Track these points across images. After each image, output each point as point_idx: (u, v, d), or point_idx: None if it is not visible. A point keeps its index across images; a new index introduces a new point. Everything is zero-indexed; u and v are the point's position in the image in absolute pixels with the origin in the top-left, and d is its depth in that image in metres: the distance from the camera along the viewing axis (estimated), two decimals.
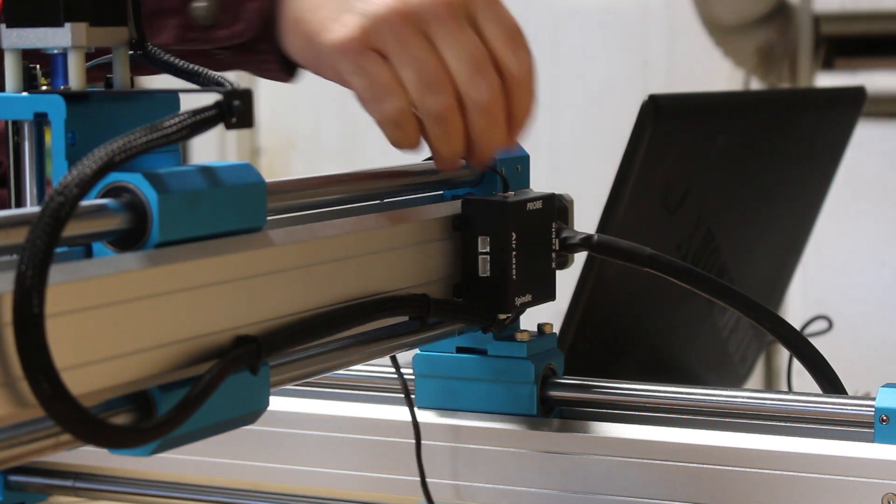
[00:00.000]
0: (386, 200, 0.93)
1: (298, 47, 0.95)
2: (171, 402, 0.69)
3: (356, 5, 0.90)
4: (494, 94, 0.91)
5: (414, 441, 0.97)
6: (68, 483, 1.09)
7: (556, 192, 1.00)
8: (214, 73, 0.76)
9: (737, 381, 1.50)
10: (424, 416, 0.99)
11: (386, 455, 0.99)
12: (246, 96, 0.70)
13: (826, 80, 2.94)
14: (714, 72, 3.14)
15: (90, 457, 1.06)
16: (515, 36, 0.92)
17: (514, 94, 0.92)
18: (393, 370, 1.01)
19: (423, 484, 0.97)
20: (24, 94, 0.73)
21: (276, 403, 0.96)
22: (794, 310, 2.80)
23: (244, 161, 0.77)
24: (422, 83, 0.89)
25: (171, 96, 0.77)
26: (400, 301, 0.87)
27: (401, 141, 0.91)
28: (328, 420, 1.01)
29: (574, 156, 3.22)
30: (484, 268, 0.93)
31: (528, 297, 0.94)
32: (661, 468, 0.93)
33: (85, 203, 0.68)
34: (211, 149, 3.68)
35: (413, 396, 0.99)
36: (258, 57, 0.99)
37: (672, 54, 3.35)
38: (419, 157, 0.99)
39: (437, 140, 0.91)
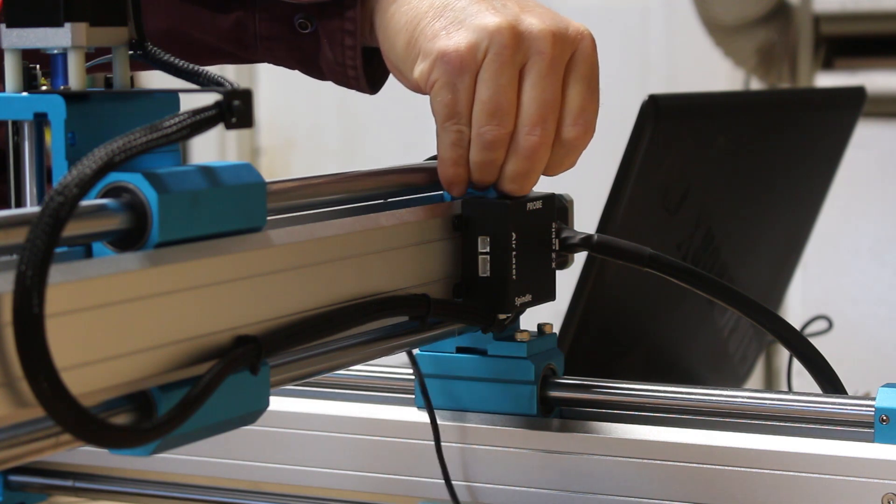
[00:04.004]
0: (386, 200, 0.93)
1: (391, 39, 0.96)
2: (171, 402, 0.69)
3: (469, 21, 0.92)
4: (541, 147, 0.93)
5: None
6: (68, 483, 1.09)
7: (556, 192, 1.00)
8: (214, 73, 0.76)
9: (737, 381, 1.50)
10: (424, 416, 0.99)
11: (386, 455, 0.99)
12: (246, 96, 0.70)
13: (826, 80, 2.94)
14: (714, 72, 3.14)
15: (90, 457, 1.06)
16: (590, 107, 0.95)
17: (555, 154, 0.94)
18: (393, 370, 1.01)
19: (448, 484, 0.97)
20: (24, 94, 0.73)
21: (276, 403, 0.96)
22: (794, 310, 2.80)
23: (244, 161, 0.77)
24: (489, 109, 0.92)
25: (171, 96, 0.77)
26: (400, 301, 0.87)
27: (451, 159, 0.93)
28: (328, 420, 1.01)
29: None
30: (484, 268, 0.93)
31: (528, 297, 0.94)
32: (661, 468, 0.93)
33: (85, 203, 0.68)
34: (211, 149, 3.68)
35: (424, 396, 0.99)
36: (342, 25, 1.00)
37: (672, 54, 3.35)
38: (418, 156, 0.99)
39: (476, 165, 0.93)
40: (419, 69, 0.93)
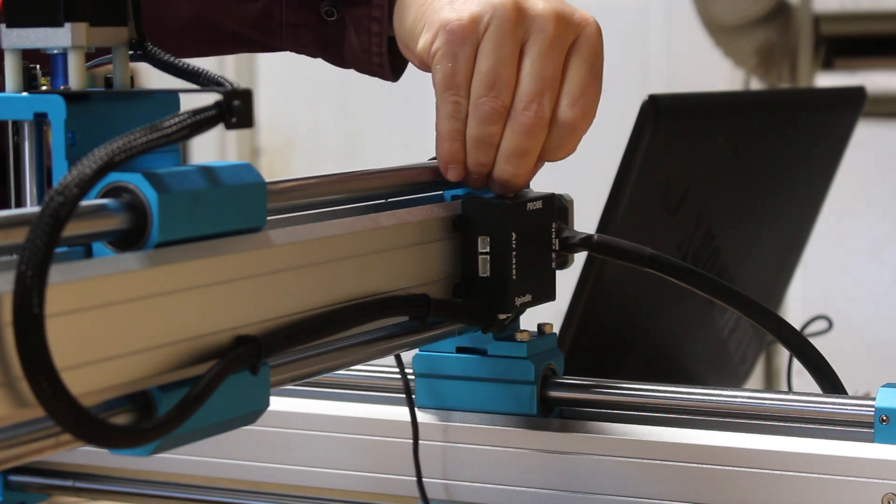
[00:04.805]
0: (386, 200, 0.93)
1: (402, 13, 0.98)
2: (171, 402, 0.69)
3: None
4: (537, 124, 0.93)
5: (421, 441, 0.97)
6: (68, 483, 1.09)
7: (556, 192, 1.00)
8: (214, 73, 0.76)
9: (737, 381, 1.50)
10: (424, 416, 0.99)
11: (386, 455, 0.99)
12: (246, 96, 0.70)
13: (826, 80, 2.94)
14: (714, 72, 3.14)
15: (90, 457, 1.06)
16: (590, 90, 0.95)
17: (553, 135, 0.94)
18: (393, 370, 1.01)
19: (420, 483, 0.97)
20: (24, 94, 0.73)
21: (276, 403, 0.96)
22: (794, 310, 2.80)
23: (244, 161, 0.77)
24: (488, 80, 0.92)
25: (171, 96, 0.77)
26: (400, 301, 0.87)
27: (448, 133, 0.93)
28: (328, 420, 1.01)
29: (574, 156, 3.21)
30: (484, 268, 0.93)
31: (528, 297, 0.94)
32: (661, 468, 0.93)
33: (85, 203, 0.68)
34: (211, 149, 3.68)
35: (413, 396, 0.99)
36: (370, 12, 1.01)
37: (672, 54, 3.35)
38: (418, 157, 0.99)
39: (472, 140, 0.93)
40: (423, 40, 0.94)
